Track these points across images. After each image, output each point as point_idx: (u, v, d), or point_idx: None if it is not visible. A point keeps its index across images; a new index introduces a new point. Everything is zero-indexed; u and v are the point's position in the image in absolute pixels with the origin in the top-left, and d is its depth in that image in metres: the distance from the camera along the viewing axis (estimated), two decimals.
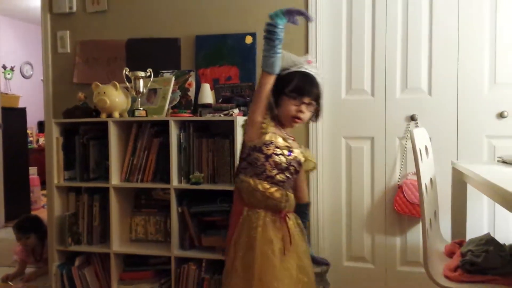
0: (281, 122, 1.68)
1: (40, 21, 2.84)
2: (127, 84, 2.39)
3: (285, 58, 1.64)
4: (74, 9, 2.73)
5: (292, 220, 1.67)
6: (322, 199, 2.48)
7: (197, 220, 2.33)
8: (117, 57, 2.67)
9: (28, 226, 3.09)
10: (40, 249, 3.11)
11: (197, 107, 2.43)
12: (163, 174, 2.37)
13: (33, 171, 5.09)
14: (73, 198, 2.50)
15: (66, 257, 2.48)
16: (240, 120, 2.21)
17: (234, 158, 2.21)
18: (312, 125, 2.43)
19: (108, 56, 2.69)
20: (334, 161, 2.52)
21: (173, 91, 2.47)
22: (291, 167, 1.63)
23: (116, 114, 2.36)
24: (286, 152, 1.62)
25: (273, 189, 1.61)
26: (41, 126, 6.51)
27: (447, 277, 1.50)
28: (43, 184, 5.20)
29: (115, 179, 2.37)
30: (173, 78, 2.46)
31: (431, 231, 1.66)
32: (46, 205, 4.52)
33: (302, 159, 1.68)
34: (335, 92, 2.50)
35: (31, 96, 6.07)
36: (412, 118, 2.39)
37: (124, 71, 2.38)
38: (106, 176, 2.40)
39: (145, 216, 2.49)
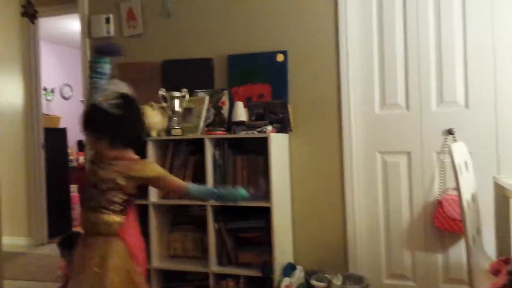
0: None
1: (79, 45, 2.97)
2: (164, 104, 2.46)
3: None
4: (112, 33, 2.85)
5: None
6: (358, 215, 2.46)
7: (233, 236, 2.35)
8: (153, 78, 2.76)
9: (72, 243, 3.18)
10: None
11: (231, 125, 2.47)
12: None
13: (74, 188, 5.26)
14: None
15: None
16: (274, 137, 2.23)
17: (268, 175, 2.22)
18: (345, 140, 2.43)
19: (145, 78, 2.78)
20: (370, 176, 2.49)
21: (208, 110, 2.52)
22: None
23: (154, 133, 2.43)
24: None
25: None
26: (80, 145, 6.74)
27: None
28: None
29: (153, 196, 2.43)
30: (207, 97, 2.52)
31: (474, 248, 1.61)
32: None
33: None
34: (369, 107, 2.49)
35: (70, 116, 6.31)
36: (450, 132, 2.33)
37: (160, 92, 2.46)
38: (144, 193, 2.46)
39: (183, 232, 2.53)
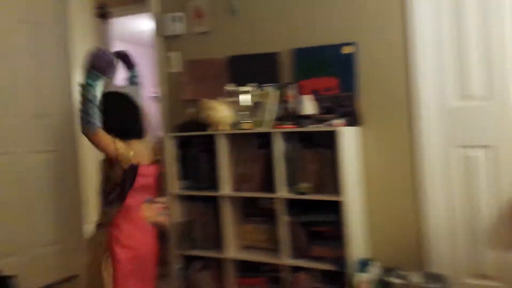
0: None
1: (147, 43, 3.09)
2: (231, 99, 2.52)
3: None
4: (181, 31, 2.94)
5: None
6: (436, 210, 2.36)
7: (305, 230, 2.38)
8: (220, 74, 2.82)
9: None
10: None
11: (298, 118, 2.47)
12: (269, 184, 2.45)
13: None
14: (189, 206, 2.70)
15: (186, 261, 2.69)
16: (343, 130, 2.21)
17: (338, 169, 2.21)
18: (419, 133, 2.35)
19: (213, 73, 2.85)
20: (447, 170, 2.36)
21: (275, 104, 2.53)
22: None
23: (223, 128, 2.50)
24: None
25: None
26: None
27: None
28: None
29: (225, 188, 2.52)
30: (275, 91, 2.53)
31: None
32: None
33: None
34: (444, 99, 2.34)
35: None
36: None
37: (228, 87, 2.51)
38: (216, 186, 2.56)
39: (254, 224, 2.60)
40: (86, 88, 1.62)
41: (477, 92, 2.30)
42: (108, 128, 1.70)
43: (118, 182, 1.74)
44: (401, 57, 2.37)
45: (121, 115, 1.82)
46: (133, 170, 1.74)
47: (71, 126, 3.29)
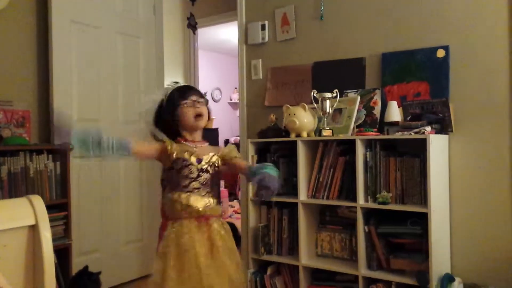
0: (187, 134, 1.80)
1: (229, 51, 3.20)
2: (314, 105, 2.51)
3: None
4: (266, 39, 3.01)
5: (216, 223, 1.78)
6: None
7: (384, 241, 2.29)
8: (304, 80, 2.84)
9: None
10: None
11: (383, 125, 2.40)
12: (348, 192, 2.40)
13: (221, 184, 5.71)
14: (265, 211, 2.72)
15: (259, 265, 2.69)
16: (433, 138, 2.10)
17: (425, 178, 2.11)
18: None
19: (296, 80, 2.88)
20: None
21: (358, 110, 2.49)
22: (203, 173, 1.75)
23: (304, 134, 2.49)
24: (195, 161, 1.73)
25: (190, 197, 1.73)
26: (227, 143, 7.28)
27: None
28: (230, 196, 5.78)
29: (302, 195, 2.49)
30: (358, 97, 2.49)
31: None
32: (235, 215, 5.01)
33: (215, 160, 1.79)
34: None
35: (218, 117, 6.88)
36: None
37: (312, 93, 2.51)
38: (293, 192, 2.55)
39: (330, 232, 2.55)
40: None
41: None
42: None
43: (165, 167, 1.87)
44: (500, 60, 2.23)
45: None
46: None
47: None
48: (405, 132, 2.19)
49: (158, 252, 1.75)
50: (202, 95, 1.86)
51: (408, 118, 2.30)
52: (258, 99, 3.07)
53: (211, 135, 5.36)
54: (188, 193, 1.74)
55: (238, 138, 4.26)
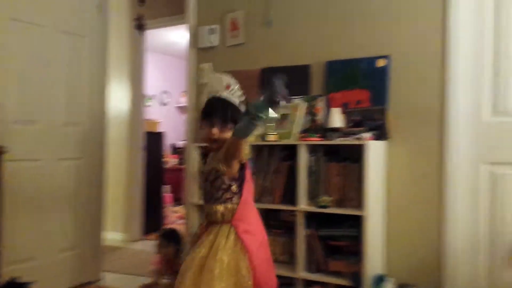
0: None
1: (178, 54, 3.17)
2: None
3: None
4: (216, 43, 3.02)
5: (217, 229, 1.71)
6: (458, 229, 2.31)
7: (324, 243, 2.34)
8: (252, 85, 2.86)
9: (171, 237, 3.38)
10: (176, 261, 3.36)
11: (326, 131, 2.47)
12: (291, 196, 2.44)
13: (166, 189, 5.60)
14: None
15: None
16: (371, 144, 2.20)
17: (362, 184, 2.19)
18: (448, 149, 2.32)
19: (244, 85, 2.85)
20: (473, 188, 2.33)
21: (303, 116, 2.55)
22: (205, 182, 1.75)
23: (250, 139, 2.50)
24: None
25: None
26: (173, 148, 7.16)
27: None
28: (176, 201, 5.69)
29: None
30: (303, 104, 2.55)
31: None
32: (179, 220, 4.92)
33: (218, 166, 1.71)
34: (476, 114, 2.34)
35: (165, 121, 6.76)
36: None
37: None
38: None
39: (273, 236, 2.56)
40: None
41: (510, 107, 2.29)
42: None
43: (235, 178, 1.74)
44: (436, 71, 2.38)
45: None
46: (245, 164, 1.78)
47: (100, 134, 3.38)
48: (346, 138, 2.27)
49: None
50: (232, 117, 1.74)
51: (350, 125, 2.39)
52: None
53: (156, 139, 5.25)
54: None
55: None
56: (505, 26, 2.30)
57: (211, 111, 1.75)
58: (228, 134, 1.70)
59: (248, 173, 1.78)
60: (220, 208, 1.71)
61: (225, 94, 1.78)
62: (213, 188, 1.72)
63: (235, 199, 1.71)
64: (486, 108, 2.33)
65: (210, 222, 1.75)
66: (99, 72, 3.35)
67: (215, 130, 1.72)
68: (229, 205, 1.71)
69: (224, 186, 1.71)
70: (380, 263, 2.42)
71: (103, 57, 3.40)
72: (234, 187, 1.71)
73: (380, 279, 2.24)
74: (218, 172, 1.71)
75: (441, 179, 2.34)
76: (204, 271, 1.63)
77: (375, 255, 2.30)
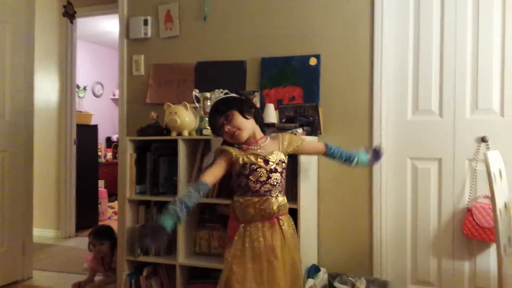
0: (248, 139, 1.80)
1: (112, 44, 3.06)
2: (196, 104, 2.52)
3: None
4: (149, 35, 2.94)
5: (286, 221, 1.80)
6: (385, 220, 2.46)
7: None
8: (186, 79, 2.83)
9: (104, 234, 3.28)
10: (110, 258, 3.27)
11: (261, 126, 2.50)
12: (228, 190, 2.45)
13: (101, 184, 5.40)
14: (143, 211, 2.64)
15: (135, 267, 2.60)
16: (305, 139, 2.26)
17: (296, 178, 2.25)
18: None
19: (178, 78, 2.86)
20: (399, 182, 2.49)
21: None
22: (274, 174, 1.75)
23: (186, 133, 2.48)
24: (262, 163, 1.74)
25: (263, 201, 1.74)
26: (108, 141, 6.91)
27: None
28: (110, 197, 5.50)
29: (181, 194, 2.47)
30: None
31: (505, 256, 1.60)
32: (115, 216, 4.78)
33: (283, 157, 1.80)
34: (401, 113, 2.49)
35: (100, 113, 6.50)
36: (483, 139, 2.32)
37: (193, 92, 2.52)
38: (174, 191, 2.52)
39: (209, 230, 2.57)
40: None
41: (430, 107, 2.46)
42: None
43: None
44: (364, 71, 2.49)
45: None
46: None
47: (26, 126, 3.19)
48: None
49: (230, 253, 1.75)
50: (227, 106, 1.76)
51: (283, 120, 2.45)
52: (139, 96, 2.97)
53: (89, 132, 5.04)
54: (260, 197, 1.73)
55: None
56: (424, 32, 2.46)
57: (211, 122, 1.80)
58: (239, 118, 1.73)
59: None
60: (279, 199, 1.75)
61: (211, 103, 1.90)
62: (279, 179, 1.76)
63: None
64: (409, 108, 2.49)
65: (254, 218, 1.75)
66: (24, 61, 3.15)
67: (227, 127, 1.73)
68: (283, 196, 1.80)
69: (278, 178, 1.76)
70: (314, 254, 2.51)
71: (29, 45, 3.20)
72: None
73: (314, 269, 2.33)
74: (284, 163, 1.79)
75: (370, 174, 2.47)
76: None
77: (308, 246, 2.39)
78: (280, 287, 1.70)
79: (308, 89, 2.55)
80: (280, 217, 1.77)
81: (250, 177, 1.73)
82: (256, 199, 1.74)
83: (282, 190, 1.80)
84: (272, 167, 1.74)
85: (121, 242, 2.81)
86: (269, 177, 1.74)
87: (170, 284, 2.56)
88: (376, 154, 1.92)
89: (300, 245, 1.93)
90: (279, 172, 1.76)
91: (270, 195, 1.75)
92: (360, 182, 2.49)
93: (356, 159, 1.86)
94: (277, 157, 1.77)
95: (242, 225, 1.77)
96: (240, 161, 1.74)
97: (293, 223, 1.86)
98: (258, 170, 1.73)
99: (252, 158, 1.74)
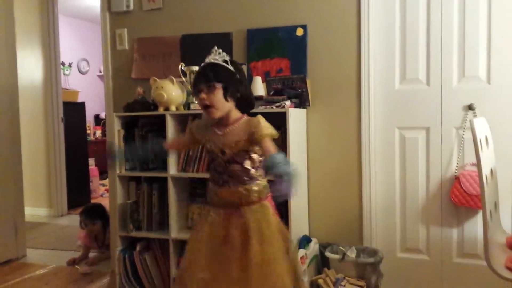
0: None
1: (96, 19, 2.98)
2: (183, 78, 2.48)
3: None
4: (131, 7, 2.86)
5: (254, 213, 1.63)
6: (375, 190, 2.48)
7: None
8: (172, 52, 2.78)
9: (95, 213, 3.29)
10: (103, 236, 3.30)
11: None
12: None
13: (91, 162, 5.38)
14: (134, 187, 2.64)
15: (128, 243, 2.62)
16: (292, 111, 2.25)
17: (286, 149, 2.25)
18: (364, 115, 2.43)
19: (164, 52, 2.80)
20: (388, 151, 2.50)
21: None
22: (233, 165, 1.63)
23: (173, 108, 2.46)
24: (219, 153, 1.64)
25: (222, 190, 1.65)
26: (97, 119, 6.84)
27: (509, 268, 1.48)
28: (101, 174, 5.49)
29: (172, 169, 2.48)
30: None
31: (491, 222, 1.63)
32: (107, 194, 4.79)
33: (243, 146, 1.61)
34: (388, 82, 2.48)
35: (87, 90, 6.40)
36: (470, 107, 2.32)
37: (179, 66, 2.47)
38: (163, 167, 2.52)
39: (200, 204, 2.58)
40: None
41: (417, 76, 2.44)
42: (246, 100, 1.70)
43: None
44: (351, 40, 2.45)
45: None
46: None
47: (10, 105, 3.14)
48: (268, 106, 2.30)
49: (192, 237, 1.78)
50: (215, 76, 1.60)
51: (271, 93, 2.42)
52: (124, 71, 2.92)
53: (76, 110, 4.98)
54: (220, 187, 1.66)
55: None
56: (411, 1, 2.41)
57: (195, 82, 1.66)
58: (219, 95, 1.59)
59: None
60: (255, 187, 1.64)
61: (206, 60, 1.68)
62: (227, 167, 1.64)
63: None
64: (397, 77, 2.47)
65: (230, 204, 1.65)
66: (5, 36, 3.07)
67: (203, 95, 1.60)
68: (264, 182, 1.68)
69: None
70: (305, 225, 2.54)
71: (9, 20, 3.10)
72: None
73: (305, 240, 2.37)
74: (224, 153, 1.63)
75: (359, 145, 2.47)
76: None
77: (299, 217, 2.41)
78: (231, 278, 1.59)
79: (295, 61, 2.51)
80: (244, 208, 1.63)
81: (211, 165, 1.69)
82: (216, 188, 1.68)
83: (248, 180, 1.63)
84: (229, 158, 1.62)
85: (113, 219, 2.83)
86: (226, 168, 1.63)
87: (164, 258, 2.59)
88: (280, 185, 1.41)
89: (288, 244, 1.73)
90: (239, 163, 1.62)
91: (229, 186, 1.64)
92: (348, 152, 2.50)
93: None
94: (238, 145, 1.61)
95: (208, 208, 1.73)
96: (208, 146, 1.68)
97: (267, 213, 1.65)
98: (216, 159, 1.66)
99: (213, 146, 1.66)
